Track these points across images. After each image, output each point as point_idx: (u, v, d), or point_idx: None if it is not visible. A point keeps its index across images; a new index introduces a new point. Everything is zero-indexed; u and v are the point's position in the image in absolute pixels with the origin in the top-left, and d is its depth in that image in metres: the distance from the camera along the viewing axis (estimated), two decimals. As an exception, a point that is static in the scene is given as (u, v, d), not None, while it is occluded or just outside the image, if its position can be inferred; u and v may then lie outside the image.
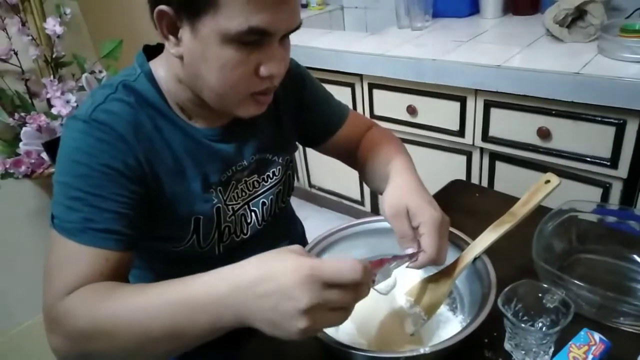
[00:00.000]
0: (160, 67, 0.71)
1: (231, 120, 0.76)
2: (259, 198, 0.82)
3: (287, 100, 0.86)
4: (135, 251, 0.66)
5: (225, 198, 0.77)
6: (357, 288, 0.48)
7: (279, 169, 0.84)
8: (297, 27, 0.64)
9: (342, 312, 0.49)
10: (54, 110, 1.47)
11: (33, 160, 1.43)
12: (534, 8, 1.79)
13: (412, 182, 0.70)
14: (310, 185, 2.30)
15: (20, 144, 1.41)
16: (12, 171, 1.42)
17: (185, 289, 0.52)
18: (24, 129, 1.41)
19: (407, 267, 0.63)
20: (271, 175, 0.84)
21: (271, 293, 0.47)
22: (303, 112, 0.89)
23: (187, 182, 0.72)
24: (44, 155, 1.42)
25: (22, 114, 1.44)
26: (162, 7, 0.60)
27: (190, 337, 0.52)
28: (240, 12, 0.57)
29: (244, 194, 0.80)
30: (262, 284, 0.47)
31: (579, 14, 1.44)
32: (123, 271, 0.63)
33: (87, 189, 0.61)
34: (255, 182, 0.81)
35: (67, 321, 0.55)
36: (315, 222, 2.16)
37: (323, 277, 0.46)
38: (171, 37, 0.63)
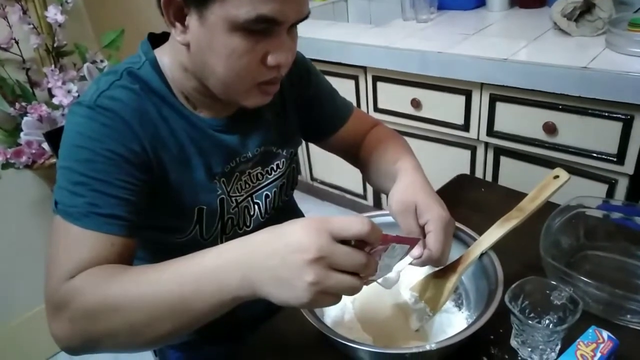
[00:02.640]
0: (165, 55, 0.70)
1: (236, 111, 0.76)
2: (263, 190, 0.82)
3: (292, 93, 0.85)
4: (137, 241, 0.65)
5: (229, 189, 0.76)
6: (366, 257, 0.48)
7: (283, 161, 0.84)
8: (306, 17, 0.63)
9: (350, 278, 0.47)
10: (55, 100, 1.45)
11: (34, 151, 1.41)
12: (541, 1, 1.77)
13: (421, 180, 0.71)
14: (312, 179, 2.30)
15: (21, 134, 1.40)
16: (12, 161, 1.41)
17: (195, 258, 0.52)
18: (24, 118, 1.40)
19: (410, 264, 0.63)
20: (275, 168, 0.83)
21: (280, 249, 0.47)
22: (307, 106, 0.88)
23: (191, 171, 0.71)
24: (45, 145, 1.41)
25: (23, 104, 1.42)
26: None
27: (196, 311, 0.51)
28: (249, 0, 0.56)
29: (247, 185, 0.79)
30: (271, 242, 0.48)
31: (587, 7, 1.42)
32: (128, 257, 0.62)
33: (91, 173, 0.60)
34: (259, 175, 0.81)
35: (73, 301, 0.54)
36: (317, 215, 2.15)
37: (331, 227, 0.46)
38: (178, 25, 0.62)
